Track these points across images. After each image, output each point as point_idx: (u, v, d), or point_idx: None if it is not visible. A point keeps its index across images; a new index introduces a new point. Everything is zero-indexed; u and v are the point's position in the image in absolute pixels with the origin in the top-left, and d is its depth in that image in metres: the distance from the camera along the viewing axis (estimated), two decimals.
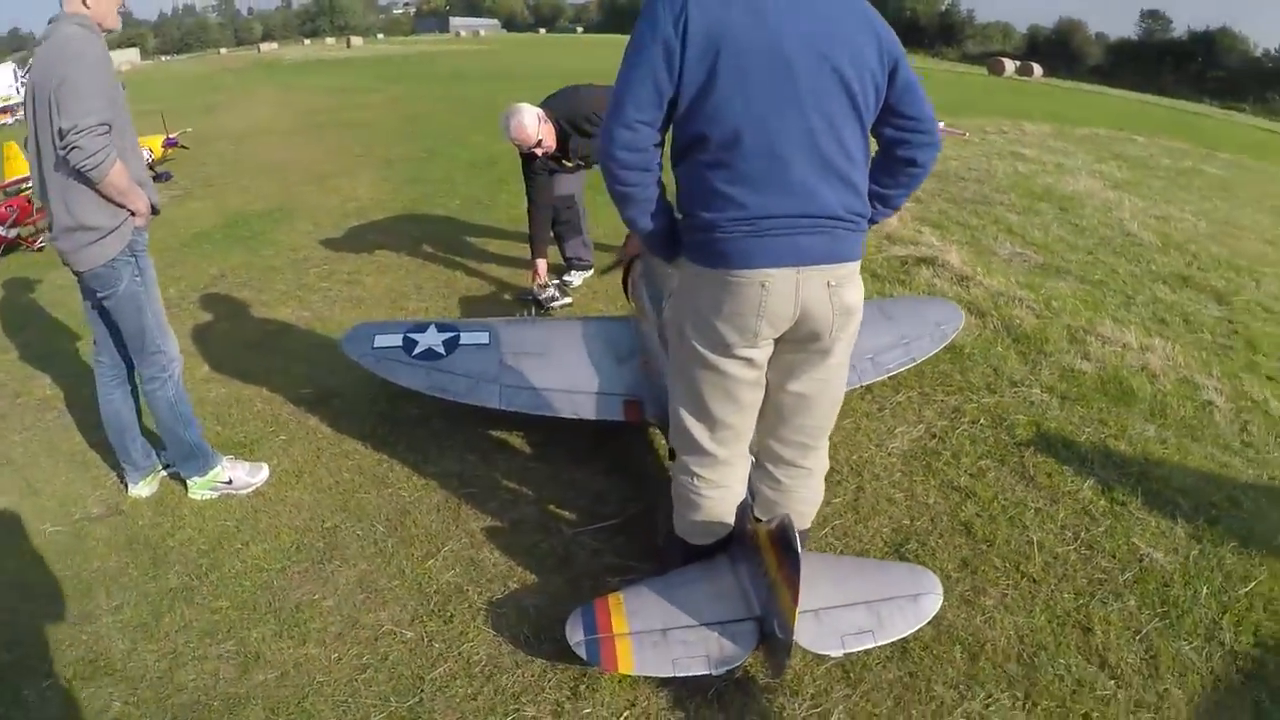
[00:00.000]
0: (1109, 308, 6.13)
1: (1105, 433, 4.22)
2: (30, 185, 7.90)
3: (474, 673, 2.51)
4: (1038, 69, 43.54)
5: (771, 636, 2.22)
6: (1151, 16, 78.28)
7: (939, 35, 77.12)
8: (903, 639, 2.48)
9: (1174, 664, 2.70)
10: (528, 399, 3.27)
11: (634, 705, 2.36)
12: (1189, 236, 8.83)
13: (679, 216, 2.16)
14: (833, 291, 2.06)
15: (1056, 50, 66.93)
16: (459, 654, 2.58)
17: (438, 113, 14.64)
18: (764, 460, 2.48)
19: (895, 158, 2.16)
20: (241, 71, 32.40)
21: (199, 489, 3.37)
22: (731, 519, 2.46)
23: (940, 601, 2.55)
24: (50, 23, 2.78)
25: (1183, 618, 2.92)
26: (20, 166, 8.41)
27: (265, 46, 53.68)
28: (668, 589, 2.42)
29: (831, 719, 2.35)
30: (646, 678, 2.35)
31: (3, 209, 7.08)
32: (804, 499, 2.52)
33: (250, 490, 3.41)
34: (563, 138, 5.00)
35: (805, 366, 2.22)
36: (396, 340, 3.48)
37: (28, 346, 5.07)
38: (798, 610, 2.03)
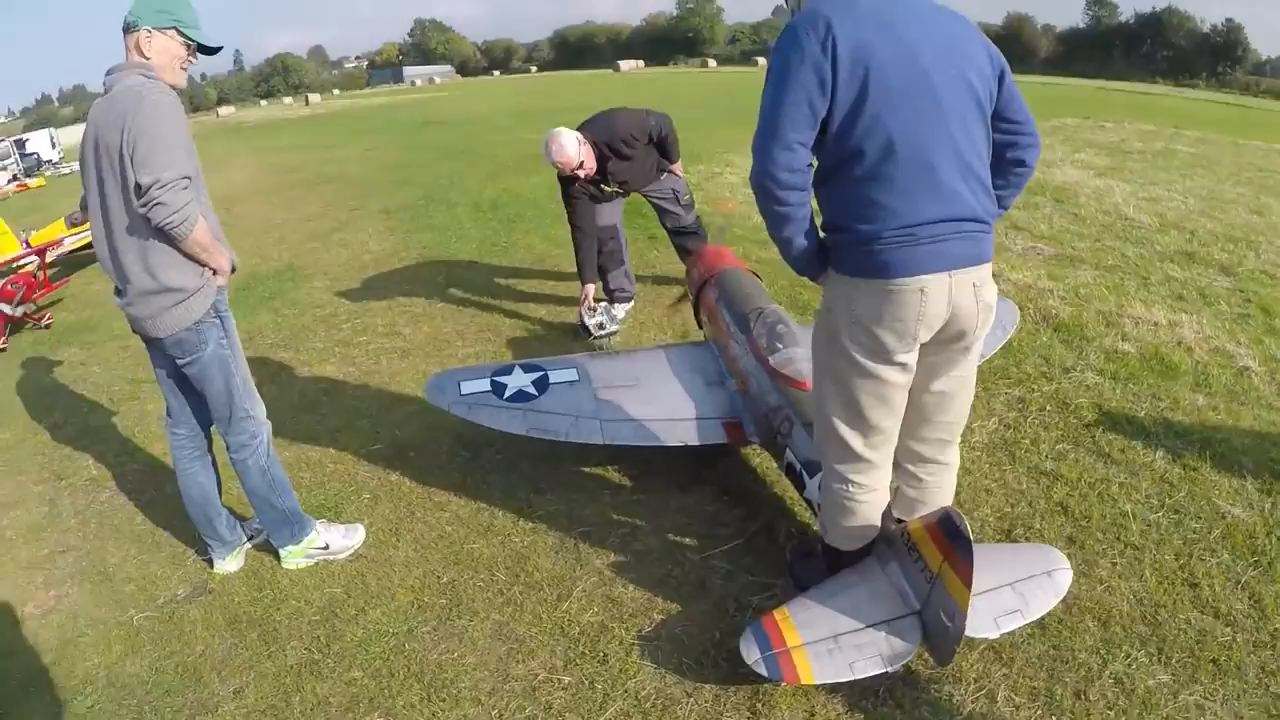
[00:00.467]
0: (1130, 290, 6.45)
1: (1161, 406, 4.49)
2: (26, 262, 7.92)
3: (647, 709, 2.50)
4: None
5: (936, 626, 2.36)
6: (1098, 3, 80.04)
7: None
8: (1044, 615, 2.65)
9: (1277, 605, 2.94)
10: (631, 431, 3.31)
11: (813, 714, 2.46)
12: (1182, 215, 9.20)
13: (826, 233, 2.28)
14: (978, 291, 2.20)
15: (1008, 46, 68.04)
16: (625, 691, 2.56)
17: (418, 161, 14.73)
18: (904, 461, 2.59)
19: (1005, 160, 2.29)
20: (208, 137, 32.36)
21: (294, 558, 3.22)
22: (879, 521, 2.60)
23: (1070, 575, 2.72)
24: (110, 74, 2.66)
25: (1274, 564, 3.16)
26: (10, 244, 8.25)
27: (223, 110, 53.50)
28: (829, 597, 2.52)
29: (997, 699, 2.52)
30: (817, 686, 2.45)
31: (8, 287, 6.91)
32: (945, 493, 2.65)
33: (349, 554, 3.28)
34: (601, 160, 5.16)
35: (948, 365, 2.36)
36: (484, 385, 3.45)
37: (60, 428, 4.95)
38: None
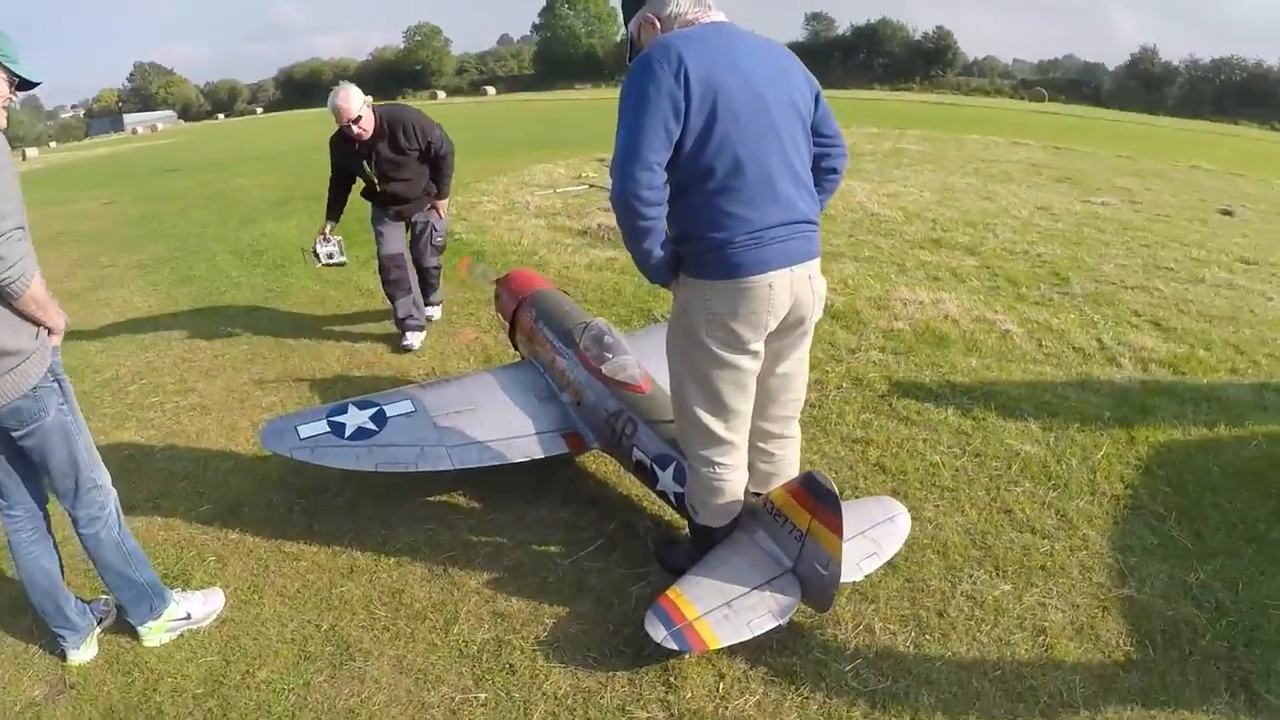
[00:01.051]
0: (892, 277, 7.54)
1: (941, 371, 5.34)
2: None
3: (571, 705, 2.70)
4: None
5: (812, 577, 2.75)
6: (815, 19, 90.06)
7: (618, 66, 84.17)
8: (893, 555, 3.18)
9: (1079, 515, 3.70)
10: (477, 453, 3.53)
11: (722, 677, 2.76)
12: (922, 206, 10.81)
13: (679, 243, 2.64)
14: (813, 283, 2.65)
15: None
16: (544, 695, 2.74)
17: (163, 211, 13.90)
18: (756, 440, 2.96)
19: (822, 168, 2.76)
20: None
21: (155, 634, 3.10)
22: (743, 496, 2.99)
23: (909, 518, 3.27)
24: None
25: (1068, 485, 3.96)
26: None
27: None
28: (712, 571, 2.86)
29: (875, 630, 2.96)
30: (719, 651, 2.79)
31: None
32: (792, 464, 3.11)
33: (213, 619, 3.20)
34: (377, 135, 5.58)
35: (790, 349, 2.81)
36: (323, 426, 3.54)
37: None
38: (845, 543, 2.61)
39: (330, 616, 3.19)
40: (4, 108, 2.64)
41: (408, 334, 5.99)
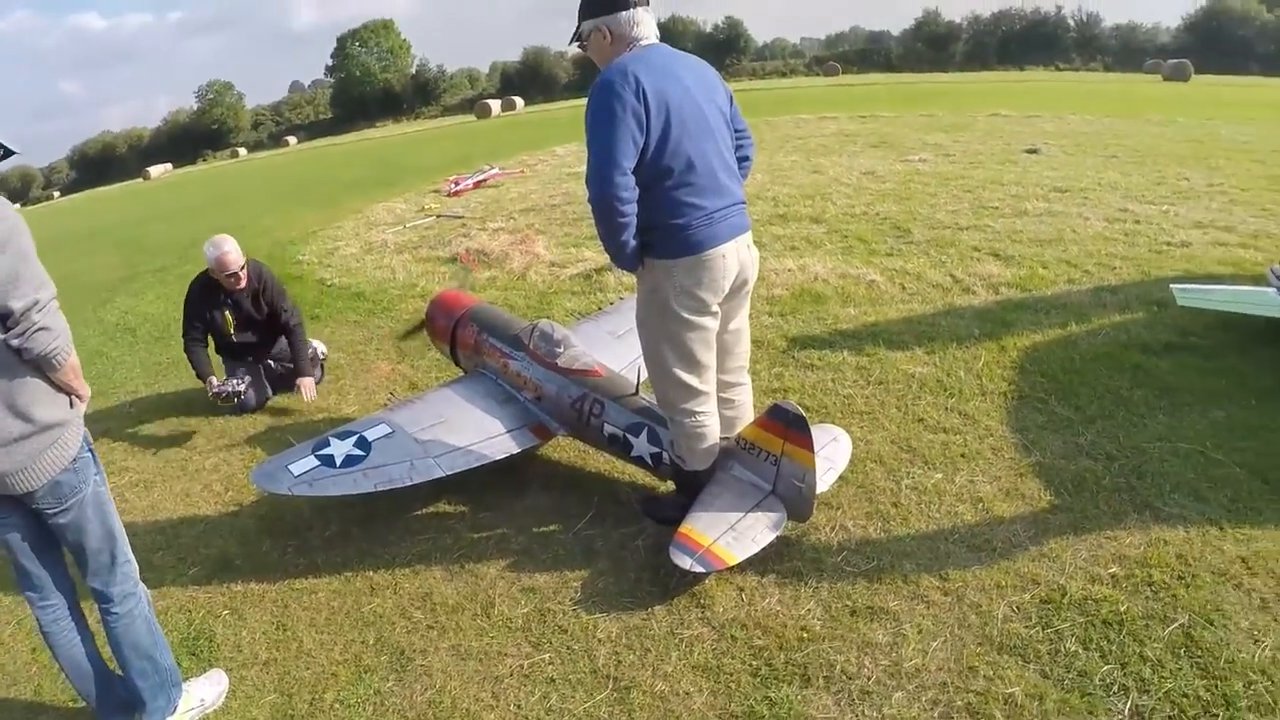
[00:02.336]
0: None
1: (827, 323, 6.14)
2: None
3: (628, 642, 3.17)
4: (519, 101, 52.84)
5: (791, 493, 3.41)
6: None
7: (416, 97, 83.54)
8: (844, 468, 3.90)
9: (978, 412, 4.56)
10: (463, 459, 3.98)
11: (743, 589, 3.35)
12: (759, 187, 11.77)
13: (645, 232, 3.18)
14: (750, 250, 3.39)
15: (531, 80, 76.45)
16: (600, 639, 3.20)
17: None
18: (718, 392, 3.65)
19: (738, 158, 3.44)
20: None
21: None
22: (719, 440, 3.62)
23: (849, 437, 4.01)
24: None
25: (961, 391, 4.80)
26: None
27: None
28: (710, 506, 3.48)
29: (847, 527, 3.67)
30: (733, 569, 3.34)
31: None
32: (749, 408, 3.81)
33: (223, 699, 3.21)
34: (247, 286, 5.82)
35: (737, 309, 3.51)
36: (312, 462, 3.85)
37: None
38: (815, 457, 3.29)
39: (371, 632, 3.44)
40: None
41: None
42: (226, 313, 5.86)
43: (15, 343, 2.45)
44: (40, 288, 2.46)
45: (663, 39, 3.32)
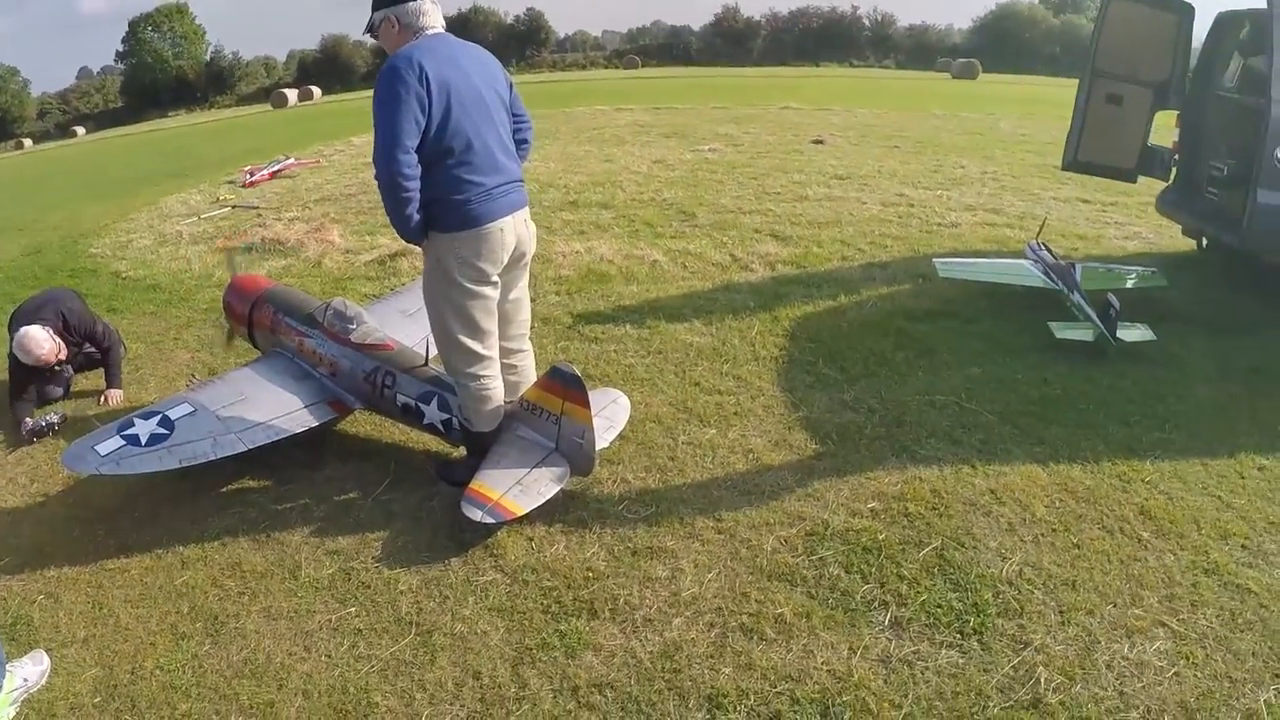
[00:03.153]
0: (544, 236, 8.54)
1: (611, 300, 6.44)
2: None
3: (428, 592, 3.38)
4: (317, 91, 51.39)
5: (572, 448, 3.68)
6: None
7: (211, 85, 79.18)
8: (623, 427, 4.17)
9: (751, 375, 4.98)
10: (264, 434, 4.12)
11: (532, 539, 3.61)
12: (552, 175, 11.99)
13: (428, 206, 3.43)
14: (528, 225, 3.73)
15: (328, 69, 74.12)
16: (402, 591, 3.39)
17: None
18: (502, 359, 3.90)
19: (517, 140, 3.75)
20: None
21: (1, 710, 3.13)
22: (503, 403, 3.87)
23: (628, 399, 4.30)
24: None
25: (736, 357, 5.23)
26: None
27: None
28: (498, 464, 3.72)
29: (628, 479, 3.95)
30: (523, 518, 3.58)
31: None
32: (531, 372, 4.09)
33: (46, 677, 3.29)
34: (71, 346, 5.63)
35: (518, 279, 3.84)
36: (118, 442, 3.94)
37: None
38: (594, 415, 3.59)
39: (185, 602, 3.53)
40: None
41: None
42: (50, 373, 5.66)
43: None
44: None
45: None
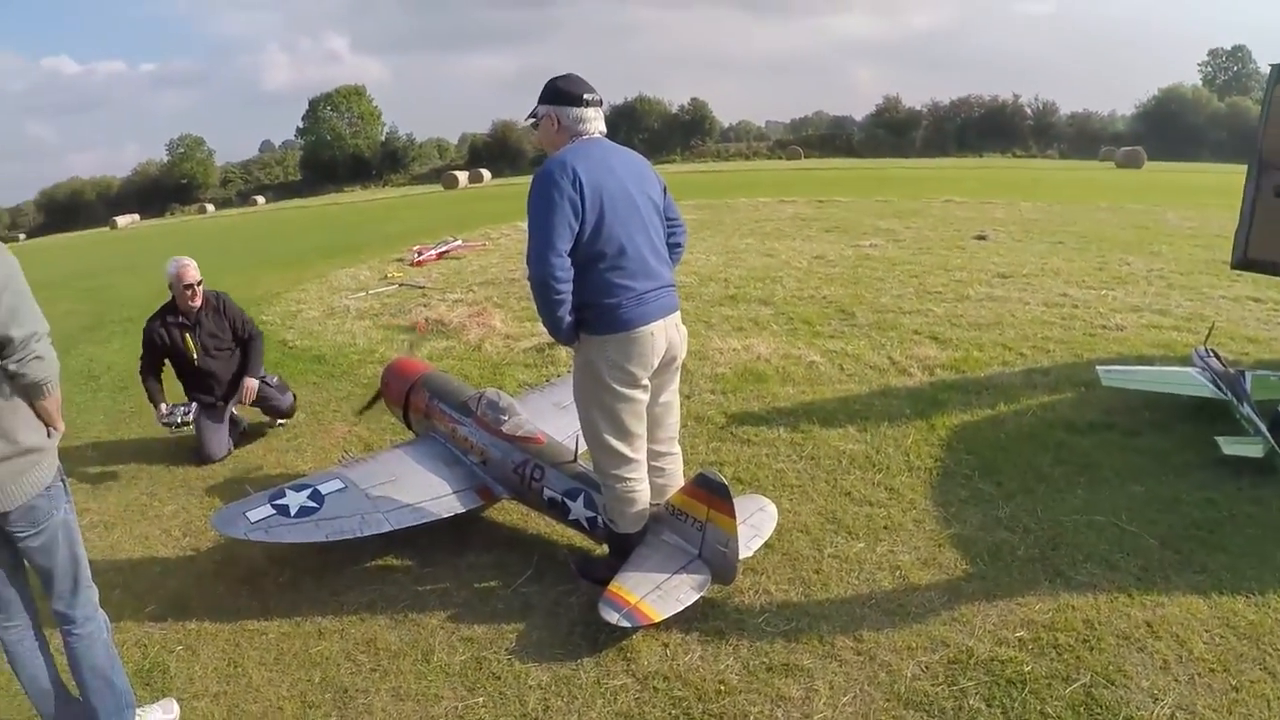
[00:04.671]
0: (703, 332, 8.68)
1: (766, 401, 6.44)
2: None
3: (556, 690, 3.40)
4: (486, 174, 53.87)
5: (715, 556, 3.67)
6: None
7: (385, 164, 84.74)
8: (769, 536, 4.15)
9: (904, 487, 4.86)
10: (411, 515, 4.26)
11: (667, 645, 3.57)
12: (713, 269, 12.22)
13: (580, 310, 3.50)
14: (679, 329, 3.75)
15: (497, 153, 77.75)
16: (531, 686, 3.42)
17: None
18: (649, 460, 3.93)
19: (670, 244, 3.82)
20: None
21: None
22: (649, 506, 3.89)
23: (775, 508, 4.29)
24: None
25: (889, 468, 5.09)
26: None
27: None
28: (639, 567, 3.74)
29: (771, 592, 3.89)
30: (659, 624, 3.56)
31: None
32: (679, 476, 4.09)
33: None
34: (205, 305, 6.32)
35: (667, 384, 3.86)
36: (268, 510, 4.13)
37: None
38: (739, 524, 3.59)
39: (317, 671, 3.68)
40: None
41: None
42: (188, 335, 6.23)
43: (12, 368, 2.73)
44: (39, 321, 2.79)
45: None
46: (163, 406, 6.19)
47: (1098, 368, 6.14)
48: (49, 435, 2.96)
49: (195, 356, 6.23)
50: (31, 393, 2.84)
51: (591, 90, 3.65)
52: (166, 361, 6.38)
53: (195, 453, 6.21)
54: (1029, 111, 76.80)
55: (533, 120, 3.72)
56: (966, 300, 9.53)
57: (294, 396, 6.88)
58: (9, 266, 2.76)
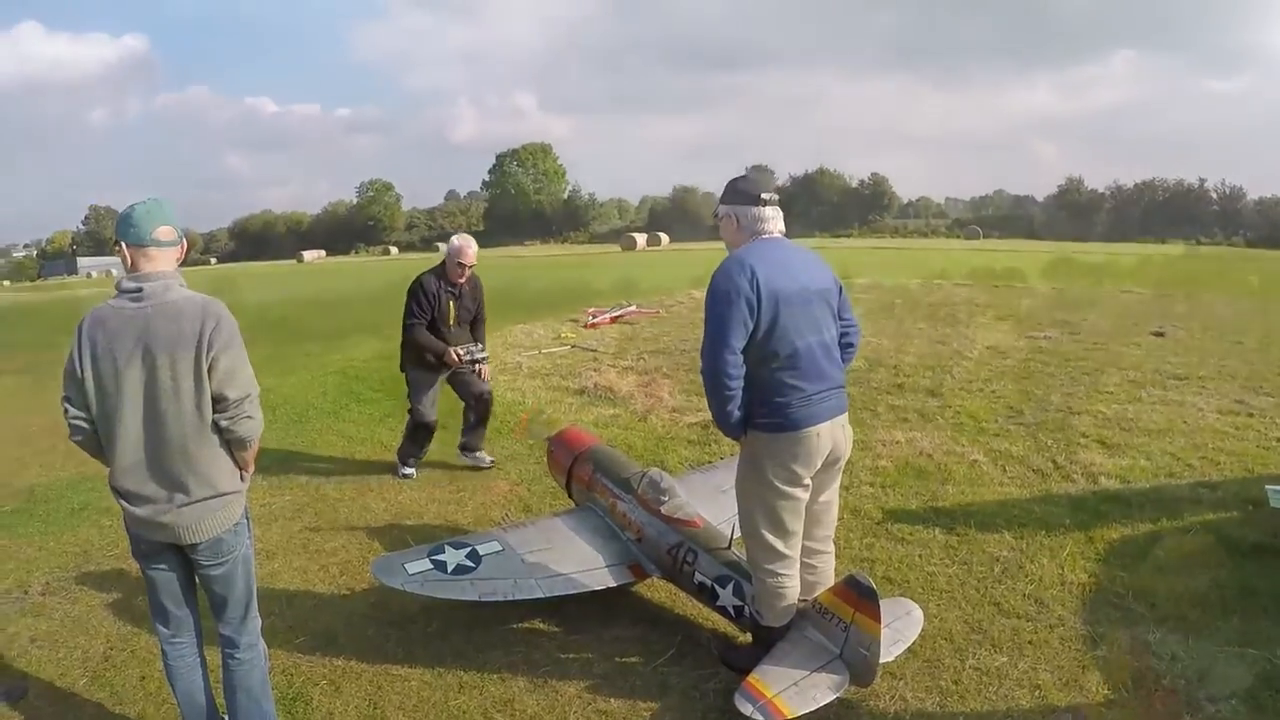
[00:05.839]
0: (867, 421, 8.73)
1: (924, 499, 6.44)
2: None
3: None
4: (664, 237, 53.85)
5: (856, 659, 3.71)
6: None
7: (566, 220, 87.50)
8: (912, 641, 4.15)
9: (1054, 601, 4.76)
10: (563, 584, 4.38)
11: None
12: (883, 354, 12.17)
13: (751, 407, 3.60)
14: (845, 430, 3.80)
15: (676, 217, 78.47)
16: None
17: None
18: (803, 556, 4.03)
19: (842, 344, 3.84)
20: None
21: None
22: (797, 601, 3.98)
23: (921, 613, 4.28)
24: (143, 280, 3.00)
25: (1042, 578, 5.04)
26: None
27: None
28: (780, 662, 3.82)
29: (907, 699, 3.96)
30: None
31: None
32: (830, 574, 4.17)
33: None
34: (467, 289, 7.15)
35: (829, 482, 3.91)
36: (426, 564, 4.30)
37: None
38: (883, 629, 3.62)
39: None
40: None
41: (406, 466, 7.47)
42: (451, 302, 7.04)
43: (224, 424, 3.07)
44: (252, 384, 3.14)
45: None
46: (458, 349, 6.99)
47: (1267, 487, 5.85)
48: (242, 479, 3.29)
49: (452, 321, 7.05)
50: (235, 446, 3.17)
51: (769, 189, 3.75)
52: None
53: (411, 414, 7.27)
54: (1214, 195, 72.01)
55: (716, 219, 3.90)
56: (1139, 402, 9.16)
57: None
58: (230, 329, 3.06)
